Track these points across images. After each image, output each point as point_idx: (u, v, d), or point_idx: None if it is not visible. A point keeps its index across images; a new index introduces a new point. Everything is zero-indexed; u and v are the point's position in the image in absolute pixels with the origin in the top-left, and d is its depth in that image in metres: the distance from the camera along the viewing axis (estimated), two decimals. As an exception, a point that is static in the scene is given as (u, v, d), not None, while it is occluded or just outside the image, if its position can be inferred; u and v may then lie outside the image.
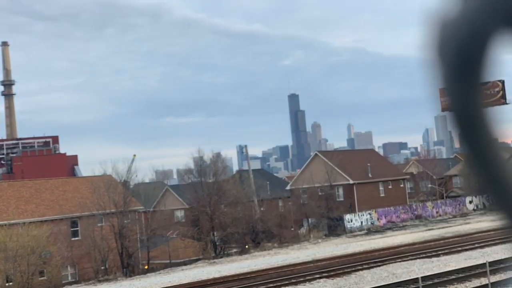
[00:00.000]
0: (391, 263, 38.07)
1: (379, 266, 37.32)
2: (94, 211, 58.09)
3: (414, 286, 29.23)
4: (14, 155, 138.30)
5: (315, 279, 34.97)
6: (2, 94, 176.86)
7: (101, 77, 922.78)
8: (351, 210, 75.62)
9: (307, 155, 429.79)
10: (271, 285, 34.74)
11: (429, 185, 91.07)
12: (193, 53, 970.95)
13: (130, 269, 56.29)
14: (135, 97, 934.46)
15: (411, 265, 36.82)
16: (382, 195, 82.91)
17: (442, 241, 48.56)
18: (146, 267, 57.99)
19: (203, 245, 64.63)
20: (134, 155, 78.88)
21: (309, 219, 72.82)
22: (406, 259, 39.23)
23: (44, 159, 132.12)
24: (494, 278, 28.52)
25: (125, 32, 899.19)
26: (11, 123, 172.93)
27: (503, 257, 32.04)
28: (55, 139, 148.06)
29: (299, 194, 78.41)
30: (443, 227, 63.81)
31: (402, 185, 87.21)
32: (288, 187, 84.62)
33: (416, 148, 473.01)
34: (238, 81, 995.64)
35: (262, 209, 71.17)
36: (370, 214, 73.82)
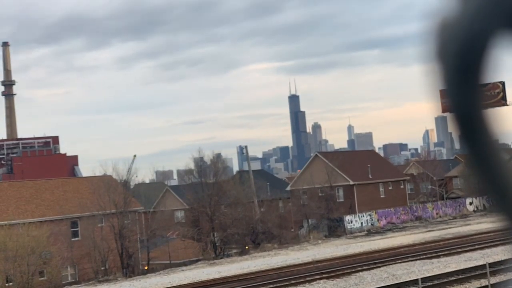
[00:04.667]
0: (391, 264, 38.05)
1: (379, 267, 37.30)
2: (94, 211, 58.09)
3: (414, 287, 29.24)
4: (15, 155, 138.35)
5: (315, 280, 34.95)
6: (3, 94, 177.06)
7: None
8: (351, 211, 75.60)
9: (307, 156, 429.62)
10: (271, 286, 34.73)
11: (429, 186, 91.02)
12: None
13: (130, 270, 56.28)
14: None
15: (411, 266, 36.81)
16: (382, 196, 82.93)
17: (442, 242, 48.55)
18: (146, 267, 57.99)
19: (203, 245, 64.63)
20: (135, 156, 78.80)
21: (309, 220, 72.79)
22: (406, 260, 39.20)
23: (44, 159, 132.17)
24: (494, 280, 28.50)
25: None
26: (11, 123, 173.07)
27: (503, 259, 32.05)
28: (55, 139, 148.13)
29: (299, 195, 78.39)
30: (443, 228, 63.80)
31: (402, 186, 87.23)
32: (288, 188, 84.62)
33: (416, 149, 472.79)
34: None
35: (262, 210, 71.15)
36: (370, 215, 73.80)
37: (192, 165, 74.81)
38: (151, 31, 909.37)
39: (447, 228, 63.55)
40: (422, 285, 28.51)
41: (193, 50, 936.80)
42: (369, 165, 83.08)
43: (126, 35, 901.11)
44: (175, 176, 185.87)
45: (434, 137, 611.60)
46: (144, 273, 53.85)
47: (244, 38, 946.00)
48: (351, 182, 79.31)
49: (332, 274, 36.15)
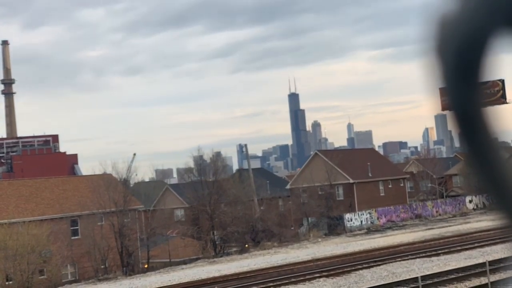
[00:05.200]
0: (391, 262, 38.07)
1: (379, 265, 37.32)
2: (94, 210, 58.08)
3: (414, 286, 29.23)
4: (14, 153, 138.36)
5: (315, 278, 34.96)
6: (2, 93, 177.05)
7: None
8: (351, 209, 75.61)
9: (307, 154, 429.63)
10: (271, 284, 34.73)
11: (429, 185, 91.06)
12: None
13: (130, 268, 56.27)
14: None
15: (411, 264, 36.82)
16: (382, 194, 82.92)
17: (442, 241, 48.56)
18: (146, 266, 57.99)
19: (203, 244, 64.65)
20: (134, 154, 78.91)
21: (309, 218, 72.82)
22: (406, 258, 39.22)
23: (44, 158, 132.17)
24: (494, 278, 28.54)
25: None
26: (11, 121, 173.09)
27: (503, 257, 32.06)
28: (55, 138, 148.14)
29: (299, 193, 78.39)
30: (443, 227, 63.80)
31: (402, 185, 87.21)
32: (288, 186, 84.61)
33: (416, 147, 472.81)
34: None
35: (262, 208, 71.16)
36: (370, 213, 73.81)
37: (192, 164, 74.88)
38: (276, 12, 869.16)
39: (446, 226, 63.55)
40: (422, 283, 28.52)
41: (304, 35, 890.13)
42: (369, 163, 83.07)
43: (250, 15, 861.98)
44: (175, 175, 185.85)
45: (433, 135, 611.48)
46: (144, 271, 53.84)
47: (357, 22, 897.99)
48: (351, 181, 79.30)
49: (332, 272, 36.15)
